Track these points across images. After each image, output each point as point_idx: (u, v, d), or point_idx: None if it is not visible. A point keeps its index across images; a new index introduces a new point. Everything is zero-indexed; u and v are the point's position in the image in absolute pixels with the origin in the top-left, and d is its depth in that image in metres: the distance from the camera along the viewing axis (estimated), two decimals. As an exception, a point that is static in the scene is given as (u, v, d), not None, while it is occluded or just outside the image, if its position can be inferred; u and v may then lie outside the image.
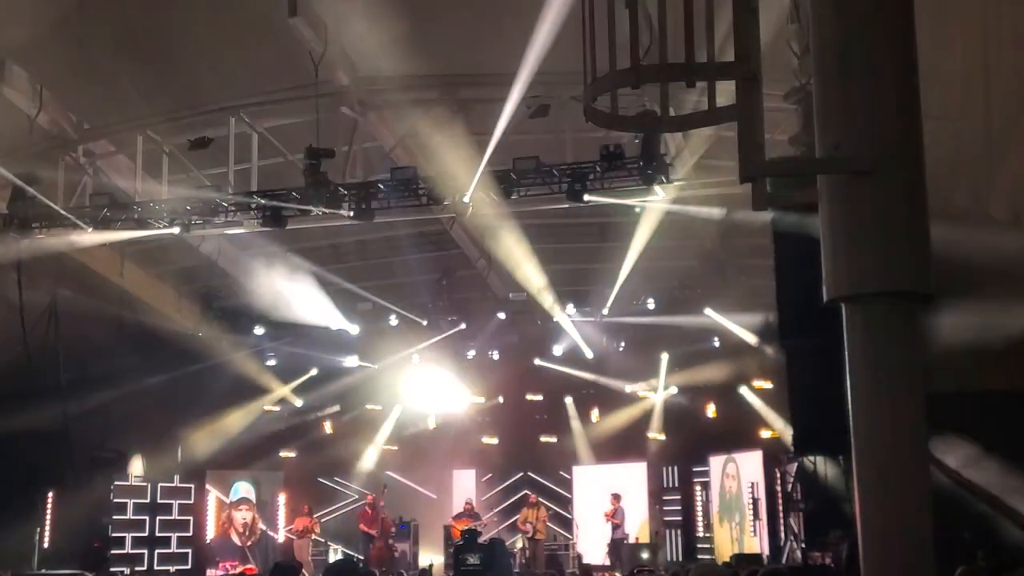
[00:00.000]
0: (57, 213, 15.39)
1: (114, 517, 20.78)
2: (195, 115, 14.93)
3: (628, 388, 22.46)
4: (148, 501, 21.42)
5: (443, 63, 14.19)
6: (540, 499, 21.58)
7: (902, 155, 3.13)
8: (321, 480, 23.65)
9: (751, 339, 19.44)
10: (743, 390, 20.98)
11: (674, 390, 22.21)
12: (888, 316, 3.11)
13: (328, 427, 24.18)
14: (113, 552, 20.47)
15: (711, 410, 21.85)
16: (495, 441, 23.81)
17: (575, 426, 23.39)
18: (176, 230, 15.52)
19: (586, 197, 14.27)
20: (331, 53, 13.58)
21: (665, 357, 21.72)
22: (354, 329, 20.94)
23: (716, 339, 20.53)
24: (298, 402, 23.82)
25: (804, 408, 12.83)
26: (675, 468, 22.55)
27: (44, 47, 13.79)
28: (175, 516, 21.79)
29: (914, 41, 3.20)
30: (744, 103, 3.16)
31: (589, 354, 21.98)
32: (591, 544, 21.64)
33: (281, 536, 22.77)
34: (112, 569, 20.02)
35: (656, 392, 22.25)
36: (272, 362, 22.56)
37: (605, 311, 19.84)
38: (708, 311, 19.63)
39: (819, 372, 12.11)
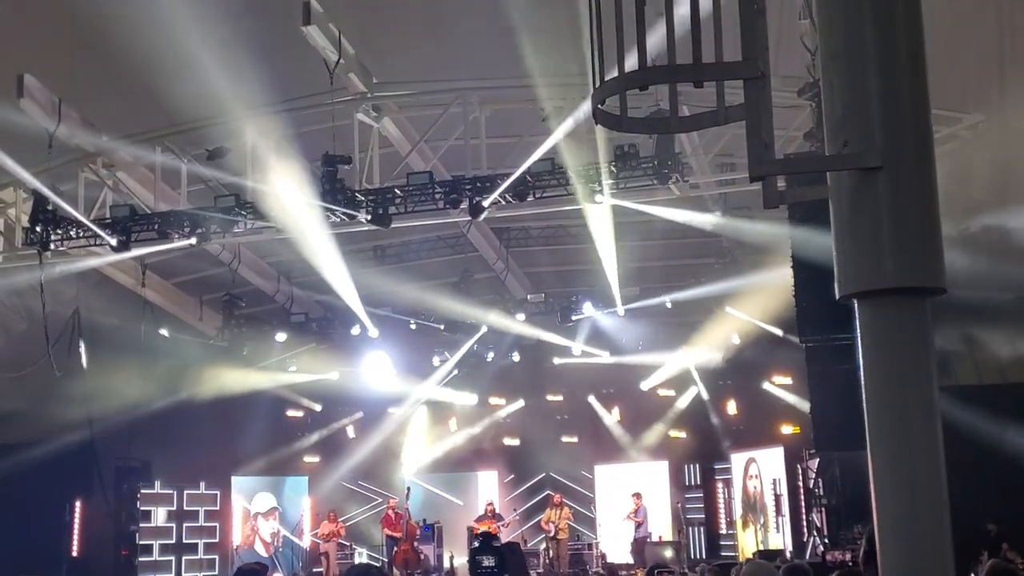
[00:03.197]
0: (79, 225, 15.53)
1: (141, 525, 20.95)
2: (212, 125, 15.03)
3: (646, 386, 22.46)
4: (174, 508, 21.58)
5: (458, 69, 14.25)
6: (564, 500, 21.60)
7: (911, 150, 3.14)
8: (345, 484, 23.74)
9: (772, 334, 19.41)
10: (765, 386, 20.96)
11: (695, 389, 22.21)
12: (900, 311, 3.12)
13: (351, 431, 24.29)
14: (140, 560, 20.63)
15: (732, 407, 21.83)
16: (516, 442, 23.85)
17: (596, 425, 23.40)
18: (194, 240, 15.60)
19: (599, 199, 14.29)
20: (346, 60, 13.66)
21: (687, 355, 21.68)
22: (375, 332, 21.02)
23: (736, 335, 20.48)
24: (318, 407, 23.96)
25: (824, 404, 12.83)
26: (697, 466, 22.53)
27: (62, 60, 13.92)
28: (201, 523, 21.95)
29: (922, 34, 3.21)
30: (752, 102, 3.18)
31: (606, 354, 21.99)
32: (614, 543, 21.64)
33: (307, 541, 22.89)
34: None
35: (687, 390, 22.25)
36: (294, 368, 22.67)
37: (620, 310, 19.80)
38: (728, 308, 19.60)
39: (839, 368, 12.12)
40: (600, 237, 16.21)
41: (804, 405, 15.64)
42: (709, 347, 20.73)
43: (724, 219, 16.51)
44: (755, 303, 18.24)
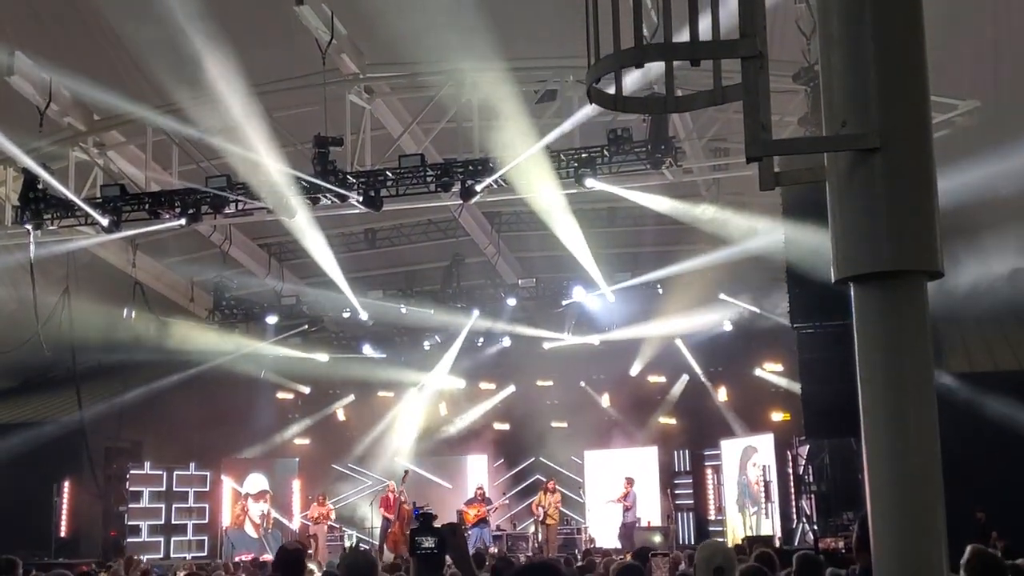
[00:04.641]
0: (69, 204, 15.44)
1: (130, 505, 20.93)
2: (204, 104, 14.91)
3: (634, 370, 22.45)
4: (163, 489, 21.56)
5: (451, 51, 14.16)
6: (558, 486, 21.55)
7: (909, 132, 3.08)
8: (335, 467, 23.73)
9: (762, 319, 19.41)
10: (756, 372, 20.96)
11: (686, 376, 22.22)
12: (896, 295, 3.07)
13: (341, 414, 24.26)
14: (129, 540, 20.61)
15: (723, 394, 21.84)
16: (507, 427, 23.84)
17: (586, 411, 23.38)
18: (183, 221, 15.50)
19: (589, 182, 14.21)
20: (338, 41, 13.56)
21: (679, 341, 21.65)
22: (365, 316, 20.97)
23: (728, 322, 20.48)
24: (307, 390, 23.93)
25: (815, 390, 12.84)
26: (686, 452, 22.57)
27: (53, 37, 13.80)
28: (191, 504, 21.93)
29: (921, 15, 3.16)
30: (749, 82, 3.12)
31: (596, 341, 21.97)
32: (603, 528, 21.67)
33: (296, 523, 22.90)
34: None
35: (678, 377, 22.24)
36: (286, 349, 22.60)
37: (610, 296, 19.76)
38: (721, 295, 19.59)
39: (830, 355, 12.14)
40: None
41: (795, 389, 15.64)
42: (697, 324, 20.66)
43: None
44: (741, 282, 18.22)
